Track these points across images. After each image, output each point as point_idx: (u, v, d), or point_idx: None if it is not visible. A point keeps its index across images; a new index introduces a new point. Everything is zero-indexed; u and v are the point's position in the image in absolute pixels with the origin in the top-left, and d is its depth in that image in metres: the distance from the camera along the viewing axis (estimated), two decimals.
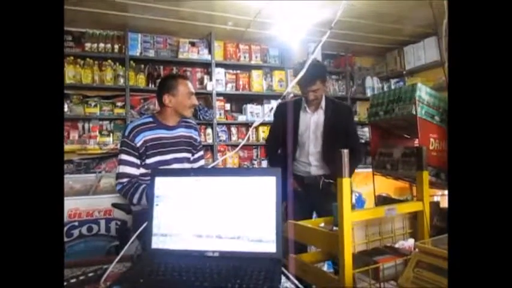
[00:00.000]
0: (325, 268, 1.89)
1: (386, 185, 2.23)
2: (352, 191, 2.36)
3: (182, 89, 1.73)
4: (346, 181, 1.08)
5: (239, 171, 1.18)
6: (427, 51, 3.88)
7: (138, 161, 1.68)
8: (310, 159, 2.08)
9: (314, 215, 2.13)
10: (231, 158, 3.81)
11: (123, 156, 1.67)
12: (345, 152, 1.08)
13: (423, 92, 1.58)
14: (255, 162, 3.98)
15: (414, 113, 1.54)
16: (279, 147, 2.20)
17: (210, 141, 3.71)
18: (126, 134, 1.68)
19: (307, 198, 2.07)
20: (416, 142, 1.95)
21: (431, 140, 1.57)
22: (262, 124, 3.91)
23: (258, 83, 3.97)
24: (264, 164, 3.98)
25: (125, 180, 1.66)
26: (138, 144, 1.66)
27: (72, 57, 3.32)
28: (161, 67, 3.73)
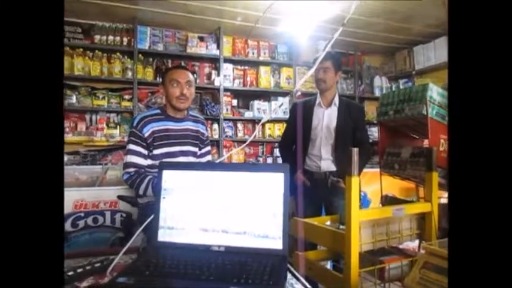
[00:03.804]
0: (328, 266, 1.89)
1: (392, 185, 2.22)
2: (360, 190, 2.38)
3: (167, 77, 1.74)
4: (355, 180, 1.07)
5: (247, 166, 1.17)
6: (438, 52, 3.83)
7: (145, 152, 1.69)
8: (322, 151, 2.12)
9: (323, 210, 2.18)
10: (237, 154, 3.81)
11: (131, 146, 1.68)
12: (355, 150, 1.07)
13: (434, 92, 1.55)
14: (261, 158, 3.98)
15: (425, 113, 1.52)
16: (293, 145, 2.23)
17: (216, 136, 3.71)
18: (135, 124, 1.70)
19: (317, 194, 2.10)
20: (425, 142, 1.93)
21: (442, 141, 1.55)
22: (268, 121, 3.91)
23: (265, 79, 3.96)
24: (269, 160, 3.98)
25: (132, 170, 1.67)
26: (146, 135, 1.67)
27: (81, 49, 3.33)
28: (169, 61, 3.73)
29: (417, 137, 1.96)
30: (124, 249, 0.95)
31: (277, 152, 3.98)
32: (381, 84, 4.41)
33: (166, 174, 1.02)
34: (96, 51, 3.40)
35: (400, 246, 1.43)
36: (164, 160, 1.68)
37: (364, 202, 3.08)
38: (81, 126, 3.36)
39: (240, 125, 3.92)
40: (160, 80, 3.42)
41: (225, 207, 0.97)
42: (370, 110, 4.32)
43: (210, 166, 1.34)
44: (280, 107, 3.89)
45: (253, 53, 3.93)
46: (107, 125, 3.41)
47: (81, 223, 2.40)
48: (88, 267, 0.88)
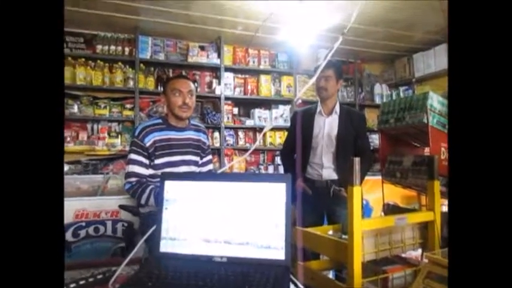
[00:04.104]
0: (330, 276, 1.88)
1: (393, 193, 2.21)
2: (362, 198, 2.36)
3: (169, 88, 1.75)
4: (356, 189, 1.07)
5: (249, 176, 1.18)
6: (437, 59, 3.85)
7: (147, 161, 1.69)
8: (323, 160, 2.12)
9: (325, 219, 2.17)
10: (238, 163, 3.81)
11: (133, 156, 1.69)
12: (356, 160, 1.07)
13: (435, 100, 1.56)
14: (262, 166, 3.98)
15: (426, 121, 1.52)
16: (295, 153, 2.22)
17: (217, 145, 3.71)
18: (136, 134, 1.70)
19: (319, 203, 2.10)
20: (426, 150, 1.93)
21: (443, 149, 1.55)
22: (270, 129, 3.91)
23: (266, 87, 3.98)
24: (271, 168, 3.98)
25: (133, 179, 1.67)
26: (147, 145, 1.68)
27: (83, 59, 3.36)
28: (170, 70, 3.75)
29: (418, 145, 1.96)
30: (126, 261, 0.95)
31: (278, 160, 3.98)
32: (381, 91, 4.43)
33: (169, 185, 1.02)
34: (98, 61, 3.43)
35: (403, 255, 1.42)
36: (166, 170, 1.69)
37: (366, 210, 3.07)
38: (83, 136, 3.37)
39: (241, 133, 3.93)
40: (162, 89, 3.46)
41: (227, 217, 0.96)
42: (371, 118, 4.33)
43: (212, 176, 1.34)
44: (281, 116, 3.90)
45: (253, 62, 3.96)
46: (109, 134, 3.42)
47: (83, 233, 2.39)
48: (90, 279, 0.88)
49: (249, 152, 1.45)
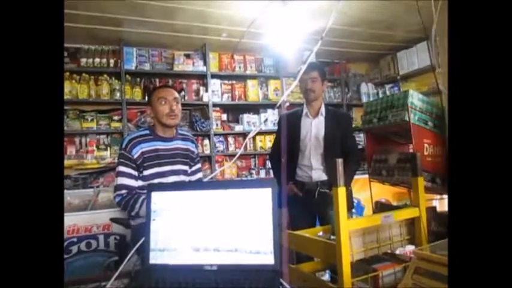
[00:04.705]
0: (326, 277, 1.89)
1: (385, 191, 2.24)
2: (352, 198, 2.38)
3: (154, 97, 1.76)
4: (341, 190, 1.09)
5: (235, 183, 1.19)
6: (420, 56, 3.92)
7: (135, 173, 1.69)
8: (312, 162, 2.13)
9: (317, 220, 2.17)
10: (229, 168, 3.81)
11: (121, 168, 1.68)
12: (339, 161, 1.09)
13: (415, 98, 1.59)
14: (253, 171, 3.98)
15: (407, 119, 1.55)
16: (283, 156, 2.23)
17: (207, 152, 3.71)
18: (124, 146, 1.70)
19: (310, 205, 2.11)
20: (411, 147, 1.96)
21: (426, 145, 1.58)
22: (259, 133, 3.93)
23: (253, 92, 4.00)
24: (262, 173, 3.98)
25: (123, 191, 1.67)
26: (135, 156, 1.68)
27: (68, 73, 3.34)
28: (157, 80, 3.75)
29: (403, 142, 2.00)
30: (115, 275, 0.95)
31: (269, 164, 3.99)
32: (367, 90, 4.48)
33: (155, 196, 1.03)
34: (83, 74, 3.40)
35: (397, 252, 1.44)
36: (155, 181, 1.69)
37: (357, 209, 3.10)
38: (71, 150, 3.33)
39: (230, 139, 3.93)
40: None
41: (215, 225, 0.97)
42: (358, 117, 4.38)
43: (197, 185, 1.35)
44: (266, 121, 3.92)
45: (239, 67, 3.98)
46: (97, 147, 3.39)
47: (75, 248, 2.37)
48: None
49: (236, 157, 1.46)
